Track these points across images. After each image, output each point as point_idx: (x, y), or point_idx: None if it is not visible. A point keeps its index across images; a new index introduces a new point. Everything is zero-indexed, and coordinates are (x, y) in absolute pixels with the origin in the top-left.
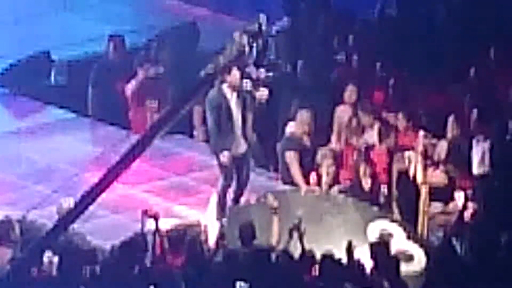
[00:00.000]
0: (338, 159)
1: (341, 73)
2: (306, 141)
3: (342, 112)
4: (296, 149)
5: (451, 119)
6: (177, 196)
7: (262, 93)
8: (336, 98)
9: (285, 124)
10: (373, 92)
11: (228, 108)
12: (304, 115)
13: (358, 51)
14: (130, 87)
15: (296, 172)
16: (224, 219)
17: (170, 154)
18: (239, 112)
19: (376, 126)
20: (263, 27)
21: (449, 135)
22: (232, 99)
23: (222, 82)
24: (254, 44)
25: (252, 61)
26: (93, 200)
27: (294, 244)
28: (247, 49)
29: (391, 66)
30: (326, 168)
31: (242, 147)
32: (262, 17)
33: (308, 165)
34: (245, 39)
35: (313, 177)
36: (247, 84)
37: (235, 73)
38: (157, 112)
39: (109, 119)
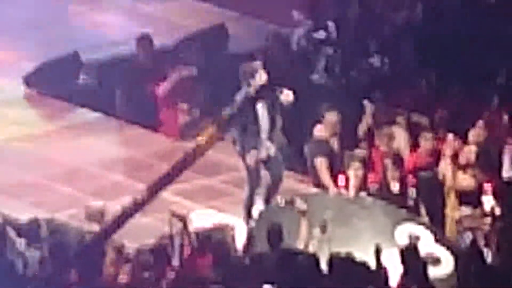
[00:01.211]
0: (366, 162)
1: (370, 76)
2: (334, 144)
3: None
4: (325, 153)
5: (480, 122)
6: (205, 198)
7: (287, 96)
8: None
9: (313, 126)
10: (402, 95)
11: (254, 111)
12: (331, 117)
13: (386, 54)
14: (162, 89)
15: (325, 177)
16: (252, 221)
17: None
18: (265, 114)
19: (397, 132)
20: (332, 35)
21: (478, 139)
22: (258, 102)
23: (249, 85)
24: (322, 51)
25: (321, 68)
26: (140, 208)
27: (321, 246)
28: (313, 56)
29: (419, 70)
30: (354, 171)
31: (270, 149)
32: (331, 25)
33: (336, 168)
34: (311, 46)
35: (341, 180)
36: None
37: (262, 76)
38: (188, 114)
39: (137, 121)
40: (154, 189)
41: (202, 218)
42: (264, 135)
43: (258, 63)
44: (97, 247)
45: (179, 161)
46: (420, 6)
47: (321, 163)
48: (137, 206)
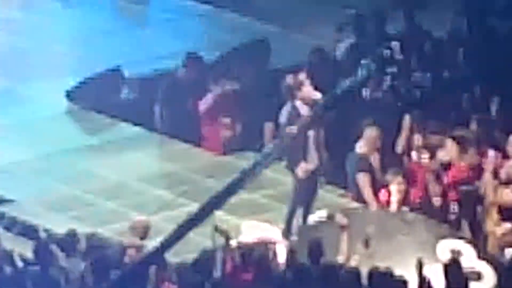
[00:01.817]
0: (408, 177)
1: (413, 92)
2: (375, 159)
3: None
4: (367, 169)
5: None
6: (247, 213)
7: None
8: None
9: (355, 142)
10: (445, 110)
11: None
12: (371, 132)
13: (430, 69)
14: (204, 103)
15: (368, 193)
16: (293, 236)
17: None
18: (312, 127)
19: (449, 144)
20: (396, 54)
21: None
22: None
23: (294, 98)
24: (388, 70)
25: (386, 87)
26: (192, 227)
27: (363, 262)
28: (376, 74)
29: (462, 84)
30: (396, 186)
31: (315, 162)
32: (394, 44)
33: (378, 183)
34: (373, 65)
35: (383, 195)
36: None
37: (308, 88)
38: (231, 129)
39: (180, 135)
40: (208, 208)
41: (251, 230)
42: (313, 147)
43: (303, 75)
44: (146, 265)
45: (236, 179)
46: (465, 21)
47: (363, 178)
48: (190, 225)
